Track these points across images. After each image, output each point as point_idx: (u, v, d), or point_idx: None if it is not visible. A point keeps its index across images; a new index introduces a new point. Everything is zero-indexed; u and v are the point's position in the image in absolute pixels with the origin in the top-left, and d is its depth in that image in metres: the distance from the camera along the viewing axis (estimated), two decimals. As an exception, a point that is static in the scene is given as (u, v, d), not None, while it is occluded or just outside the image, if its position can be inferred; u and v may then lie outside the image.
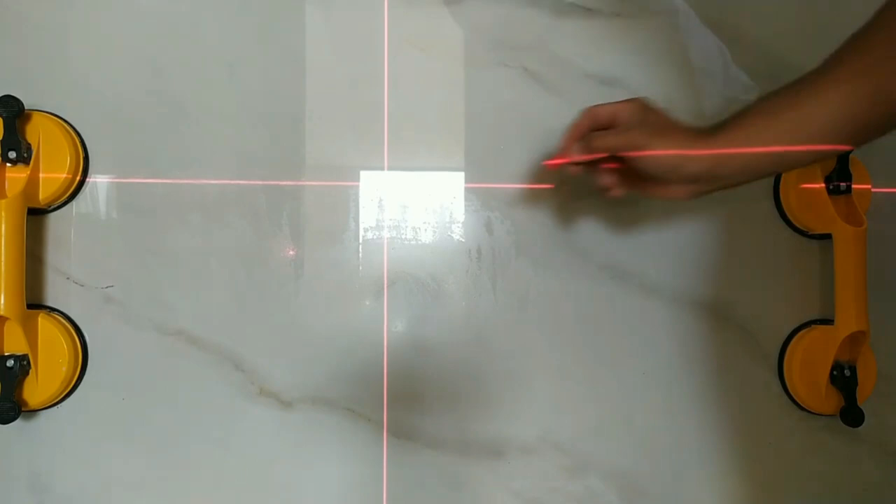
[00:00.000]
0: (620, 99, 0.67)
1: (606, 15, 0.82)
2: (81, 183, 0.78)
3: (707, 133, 0.65)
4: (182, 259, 0.79)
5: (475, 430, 0.80)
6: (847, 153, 0.78)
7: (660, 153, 0.66)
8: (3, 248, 0.70)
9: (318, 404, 0.79)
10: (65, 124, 0.77)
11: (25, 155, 0.73)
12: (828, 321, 0.81)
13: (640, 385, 0.82)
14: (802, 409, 0.82)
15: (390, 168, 0.80)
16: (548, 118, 0.80)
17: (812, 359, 0.80)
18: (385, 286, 0.80)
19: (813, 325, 0.82)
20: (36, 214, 0.76)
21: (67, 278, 0.78)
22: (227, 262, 0.79)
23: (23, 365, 0.73)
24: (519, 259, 0.81)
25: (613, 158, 0.68)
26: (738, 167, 0.65)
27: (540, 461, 0.81)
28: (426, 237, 0.81)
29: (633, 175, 0.68)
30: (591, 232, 0.82)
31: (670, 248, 0.82)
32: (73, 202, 0.78)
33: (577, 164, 0.69)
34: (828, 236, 0.80)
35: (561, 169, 0.70)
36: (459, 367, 0.80)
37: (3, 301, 0.70)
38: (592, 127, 0.68)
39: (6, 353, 0.73)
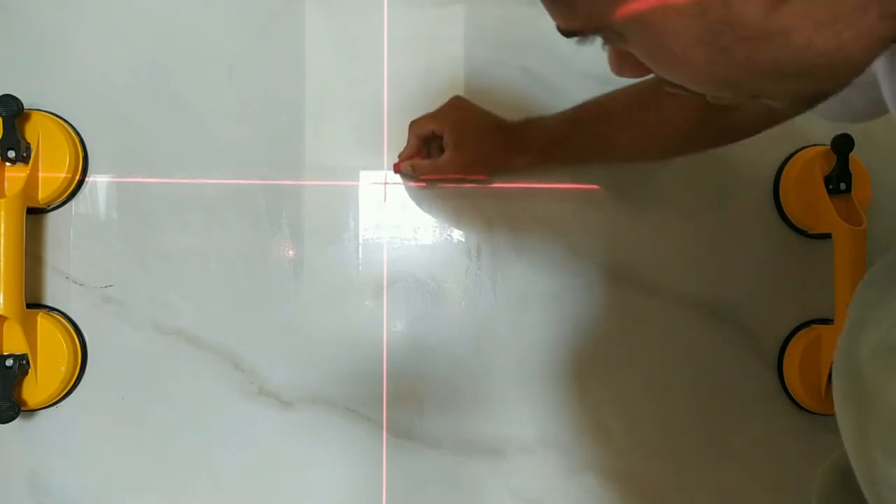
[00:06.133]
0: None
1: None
2: (81, 182, 0.78)
3: (526, 136, 0.75)
4: (181, 259, 0.79)
5: (475, 430, 0.80)
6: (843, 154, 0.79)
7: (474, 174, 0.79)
8: (2, 247, 0.70)
9: (317, 404, 0.79)
10: (64, 124, 0.77)
11: (25, 154, 0.73)
12: (828, 321, 0.81)
13: (639, 385, 0.82)
14: (802, 409, 0.82)
15: (390, 168, 0.80)
16: (548, 118, 0.80)
17: (812, 359, 0.80)
18: (385, 286, 0.80)
19: (813, 325, 0.82)
20: (35, 214, 0.76)
21: (67, 278, 0.78)
22: (226, 262, 0.79)
23: (22, 364, 0.73)
24: (519, 259, 0.81)
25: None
26: (558, 165, 0.79)
27: (540, 461, 0.81)
28: (426, 237, 0.81)
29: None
30: (591, 232, 0.82)
31: (670, 248, 0.82)
32: (73, 202, 0.78)
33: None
34: (828, 236, 0.79)
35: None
36: (459, 367, 0.80)
37: (2, 300, 0.70)
38: (420, 145, 0.77)
39: (5, 353, 0.72)
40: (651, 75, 0.43)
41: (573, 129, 0.74)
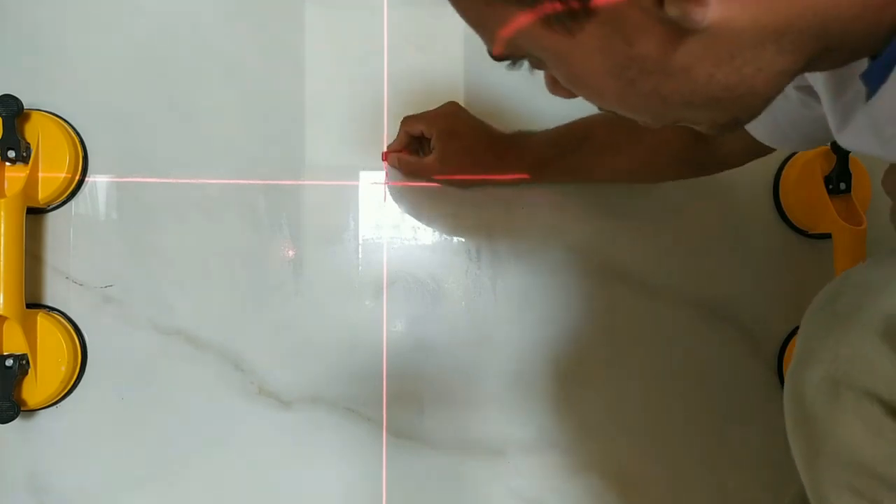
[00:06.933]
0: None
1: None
2: (81, 182, 0.78)
3: (514, 155, 0.75)
4: (182, 259, 0.79)
5: (475, 430, 0.80)
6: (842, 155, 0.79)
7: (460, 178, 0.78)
8: (2, 247, 0.70)
9: (317, 404, 0.79)
10: (64, 124, 0.77)
11: (25, 154, 0.73)
12: (828, 321, 0.81)
13: (639, 385, 0.82)
14: (802, 409, 0.81)
15: (390, 168, 0.80)
16: (547, 118, 0.80)
17: (812, 359, 0.80)
18: (385, 286, 0.80)
19: (813, 325, 0.82)
20: (35, 214, 0.76)
21: (66, 278, 0.78)
22: (226, 262, 0.79)
23: (22, 364, 0.73)
24: (519, 259, 0.81)
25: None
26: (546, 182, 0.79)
27: (540, 461, 0.81)
28: (426, 237, 0.81)
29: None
30: (591, 232, 0.82)
31: (670, 248, 0.82)
32: (73, 202, 0.78)
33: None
34: (828, 236, 0.80)
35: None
36: (459, 367, 0.80)
37: (2, 300, 0.70)
38: (408, 142, 0.77)
39: (5, 353, 0.72)
40: None
41: (560, 152, 0.75)
